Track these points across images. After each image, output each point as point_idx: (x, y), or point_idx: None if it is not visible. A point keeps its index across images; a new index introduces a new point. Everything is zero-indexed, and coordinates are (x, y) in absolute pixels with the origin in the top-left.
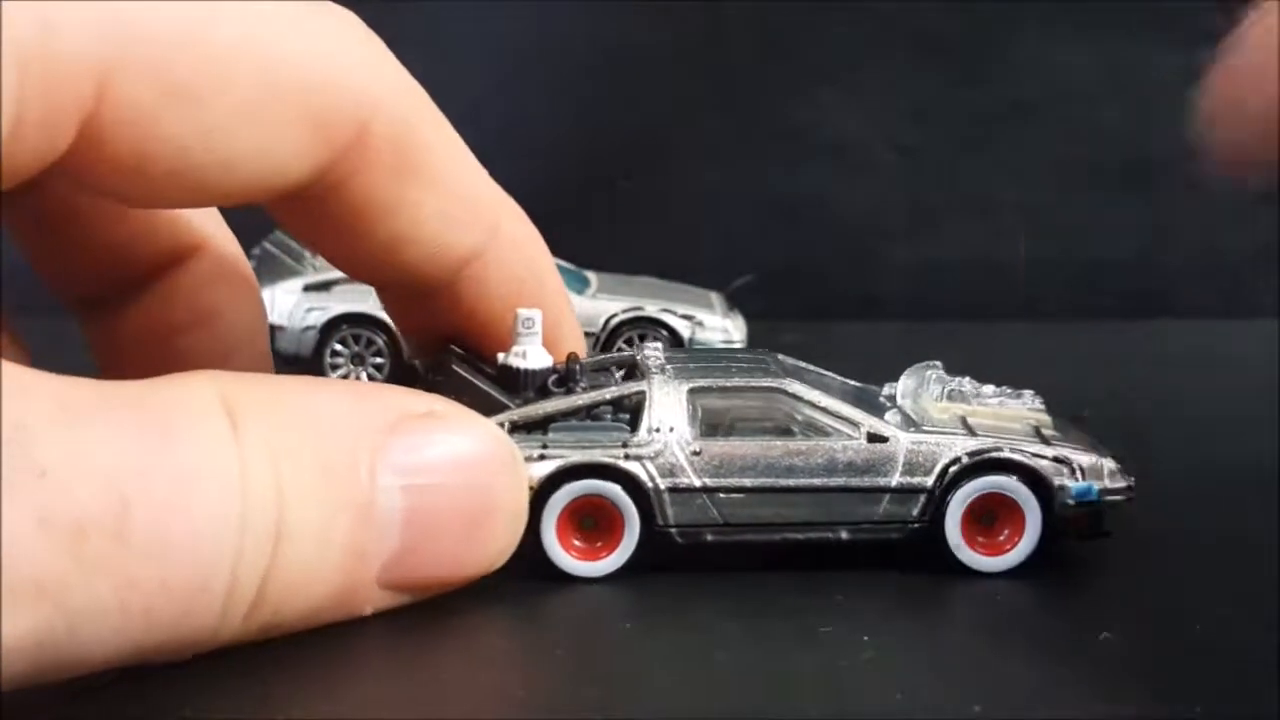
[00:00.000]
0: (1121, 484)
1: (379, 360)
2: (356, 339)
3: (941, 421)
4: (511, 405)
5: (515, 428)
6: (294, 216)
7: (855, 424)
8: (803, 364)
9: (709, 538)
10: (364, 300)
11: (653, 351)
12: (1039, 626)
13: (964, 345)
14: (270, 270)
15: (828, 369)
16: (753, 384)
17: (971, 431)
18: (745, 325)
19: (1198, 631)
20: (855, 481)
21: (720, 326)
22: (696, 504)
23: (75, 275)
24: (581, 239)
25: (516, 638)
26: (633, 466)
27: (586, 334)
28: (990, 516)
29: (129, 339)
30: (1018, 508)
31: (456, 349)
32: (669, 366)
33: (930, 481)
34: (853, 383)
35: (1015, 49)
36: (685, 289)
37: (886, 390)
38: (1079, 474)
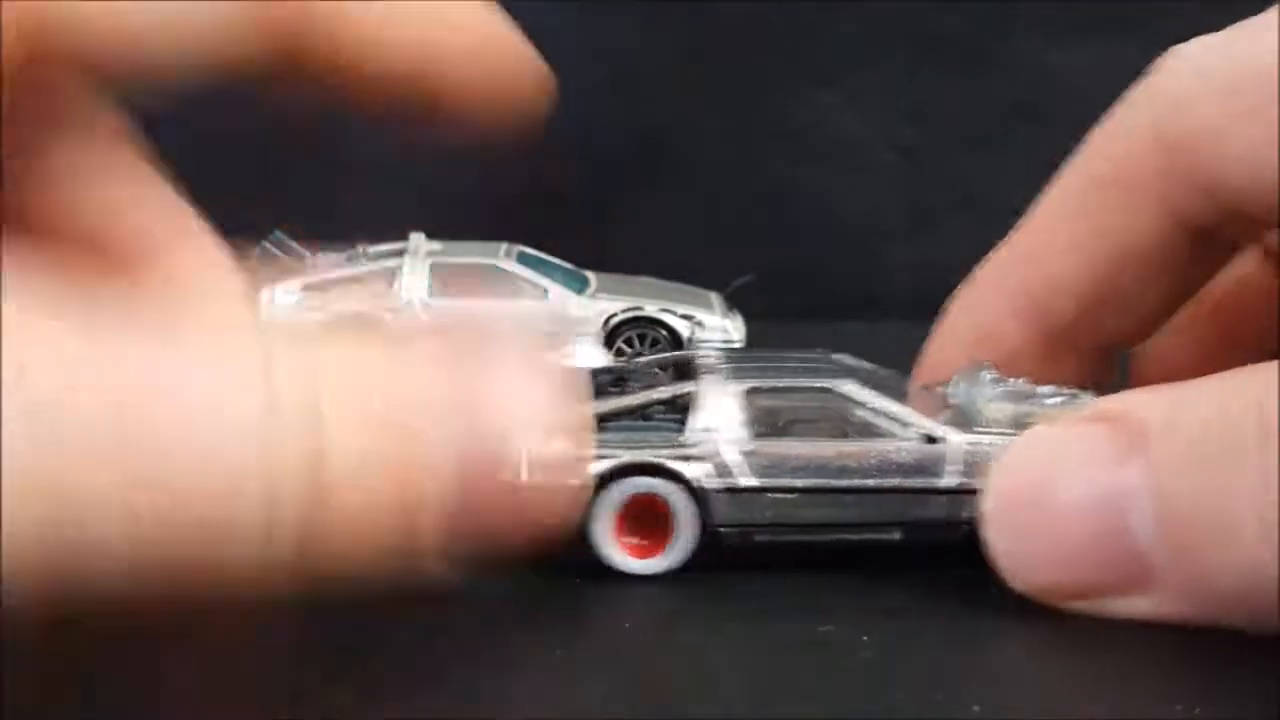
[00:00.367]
0: None
1: None
2: None
3: (996, 422)
4: None
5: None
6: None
7: (909, 425)
8: (864, 364)
9: (761, 538)
10: (364, 300)
11: (707, 351)
12: (1039, 626)
13: None
14: (270, 270)
15: None
16: (806, 384)
17: None
18: (745, 325)
19: (1197, 631)
20: (909, 483)
21: (720, 326)
22: (749, 504)
23: None
24: (581, 239)
25: (513, 635)
26: (685, 466)
27: (586, 334)
28: None
29: None
30: None
31: None
32: (723, 366)
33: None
34: (918, 383)
35: (1015, 49)
36: (685, 289)
37: (946, 390)
38: None
